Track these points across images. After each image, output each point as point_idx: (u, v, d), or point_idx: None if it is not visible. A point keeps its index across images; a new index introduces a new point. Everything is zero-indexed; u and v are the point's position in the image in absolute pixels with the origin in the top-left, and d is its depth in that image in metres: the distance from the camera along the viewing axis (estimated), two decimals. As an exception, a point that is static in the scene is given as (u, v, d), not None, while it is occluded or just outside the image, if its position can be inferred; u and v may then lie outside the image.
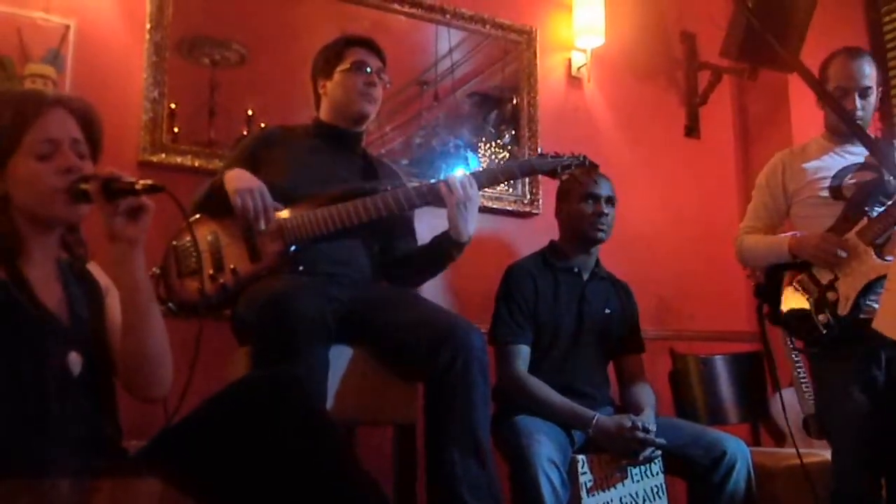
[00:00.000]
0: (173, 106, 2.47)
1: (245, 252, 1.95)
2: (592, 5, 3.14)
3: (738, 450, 2.17)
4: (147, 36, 2.45)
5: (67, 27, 2.35)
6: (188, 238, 1.93)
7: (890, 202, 2.09)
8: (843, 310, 2.09)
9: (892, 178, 2.12)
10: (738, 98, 3.59)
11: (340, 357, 1.92)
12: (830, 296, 2.12)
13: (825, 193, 2.28)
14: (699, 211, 3.36)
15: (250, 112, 2.57)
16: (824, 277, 2.15)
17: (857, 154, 2.29)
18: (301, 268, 1.96)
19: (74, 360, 1.26)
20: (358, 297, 1.99)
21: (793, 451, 2.49)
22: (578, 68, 3.20)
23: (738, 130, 3.56)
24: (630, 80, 3.35)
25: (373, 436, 2.21)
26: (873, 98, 2.29)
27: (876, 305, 2.00)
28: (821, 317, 2.13)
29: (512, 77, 3.09)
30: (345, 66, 2.15)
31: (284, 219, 1.98)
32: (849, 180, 2.24)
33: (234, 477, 1.16)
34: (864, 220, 2.12)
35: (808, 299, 2.16)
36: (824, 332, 2.10)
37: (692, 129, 3.44)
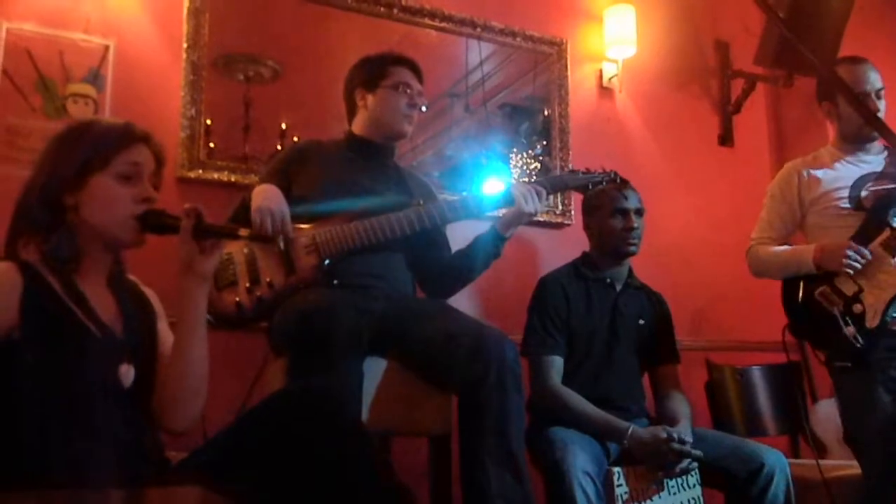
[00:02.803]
0: (209, 122, 2.52)
1: (280, 265, 1.98)
2: (623, 15, 3.13)
3: (777, 462, 2.13)
4: (184, 55, 2.50)
5: (107, 47, 2.42)
6: (225, 251, 1.96)
7: None
8: (872, 322, 2.08)
9: None
10: (773, 106, 3.55)
11: (375, 369, 1.94)
12: (856, 308, 2.11)
13: (844, 203, 2.25)
14: (733, 220, 3.31)
15: (284, 127, 2.61)
16: (849, 289, 2.13)
17: (870, 163, 2.27)
18: (335, 281, 1.98)
19: (126, 371, 1.30)
20: (391, 309, 2.00)
21: (833, 462, 2.45)
22: (610, 79, 3.20)
23: (772, 138, 3.52)
24: (662, 90, 3.33)
25: (407, 447, 2.21)
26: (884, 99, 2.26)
27: None
28: (847, 329, 2.10)
29: (543, 88, 3.09)
30: (390, 82, 2.18)
31: (318, 232, 2.00)
32: (868, 189, 2.20)
33: (273, 486, 1.18)
34: (887, 231, 2.10)
35: (835, 311, 2.13)
36: (857, 345, 2.08)
37: (726, 138, 3.42)
